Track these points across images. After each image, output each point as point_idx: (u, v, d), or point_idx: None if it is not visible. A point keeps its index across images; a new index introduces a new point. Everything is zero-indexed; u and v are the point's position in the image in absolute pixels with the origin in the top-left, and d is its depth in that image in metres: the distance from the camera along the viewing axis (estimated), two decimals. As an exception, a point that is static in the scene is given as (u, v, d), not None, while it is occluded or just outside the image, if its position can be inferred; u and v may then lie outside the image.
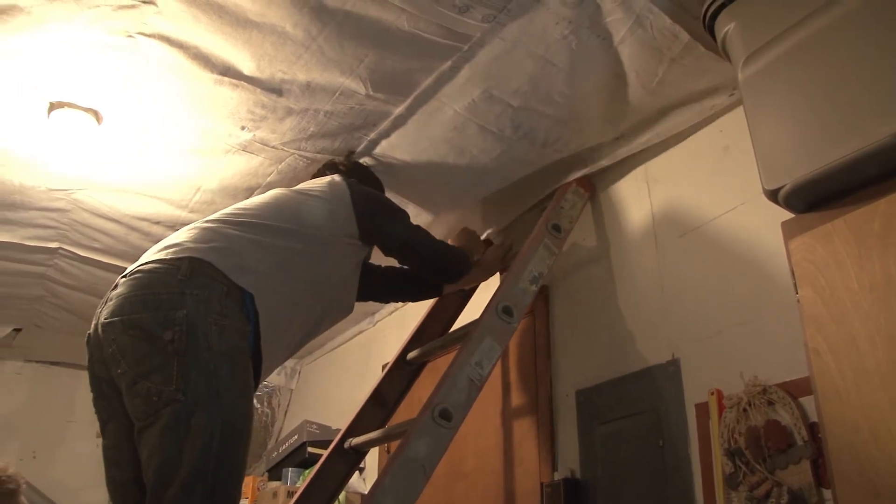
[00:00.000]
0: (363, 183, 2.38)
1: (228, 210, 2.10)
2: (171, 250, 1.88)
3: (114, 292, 1.85)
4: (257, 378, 1.92)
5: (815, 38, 1.61)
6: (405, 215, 2.34)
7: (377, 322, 3.77)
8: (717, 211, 2.20)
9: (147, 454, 1.68)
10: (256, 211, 2.09)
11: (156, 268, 1.84)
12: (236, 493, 1.73)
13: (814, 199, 1.58)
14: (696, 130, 2.34)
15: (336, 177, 2.30)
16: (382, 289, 2.54)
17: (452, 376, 1.96)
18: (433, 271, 2.40)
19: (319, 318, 2.15)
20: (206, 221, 2.04)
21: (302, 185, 2.30)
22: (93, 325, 1.87)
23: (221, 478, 1.67)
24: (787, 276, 1.68)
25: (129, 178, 2.85)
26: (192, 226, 2.03)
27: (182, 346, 1.69)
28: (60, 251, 3.40)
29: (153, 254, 1.91)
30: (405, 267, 2.44)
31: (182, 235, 1.97)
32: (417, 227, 2.35)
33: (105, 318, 1.79)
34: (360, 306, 3.03)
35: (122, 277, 1.88)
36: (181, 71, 2.23)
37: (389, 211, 2.32)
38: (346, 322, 3.53)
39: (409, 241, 2.29)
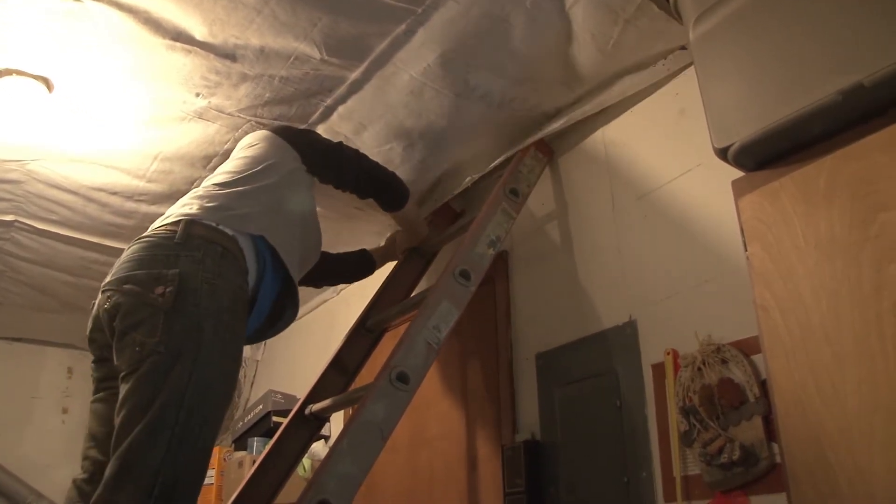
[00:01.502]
0: None
1: (210, 180, 2.18)
2: (166, 220, 1.98)
3: (117, 262, 1.94)
4: (292, 311, 2.16)
5: (765, -4, 1.62)
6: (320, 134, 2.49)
7: (340, 291, 3.76)
8: (672, 173, 2.21)
9: (122, 399, 1.72)
10: (230, 174, 2.16)
11: (154, 233, 1.93)
12: (205, 451, 1.75)
13: (762, 157, 1.60)
14: (652, 93, 2.33)
15: (255, 132, 2.39)
16: (318, 274, 2.58)
17: (410, 340, 1.96)
18: (376, 185, 2.47)
19: (305, 247, 2.26)
20: (195, 192, 2.12)
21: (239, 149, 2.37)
22: (97, 298, 1.93)
23: (190, 430, 1.69)
24: (737, 236, 1.69)
25: (83, 147, 2.80)
26: (186, 197, 2.12)
27: (170, 301, 1.75)
28: (16, 224, 3.34)
29: (157, 223, 2.01)
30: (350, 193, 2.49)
31: (179, 204, 2.08)
32: (340, 141, 2.45)
33: (105, 281, 1.88)
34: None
35: (128, 246, 1.97)
36: (132, 36, 2.19)
37: (308, 130, 2.47)
38: (310, 292, 3.54)
39: (338, 148, 2.38)
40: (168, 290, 1.76)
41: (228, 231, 1.94)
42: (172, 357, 1.72)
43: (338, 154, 2.35)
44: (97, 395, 1.96)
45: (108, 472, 1.64)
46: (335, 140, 2.43)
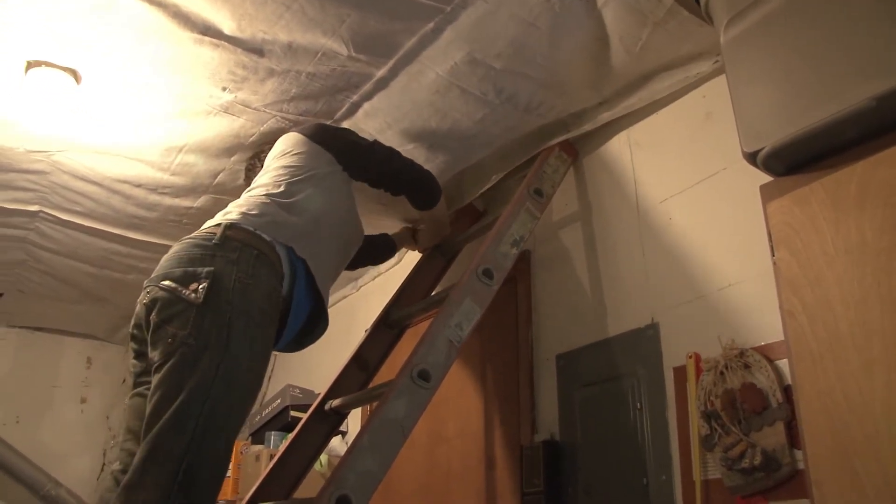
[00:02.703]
0: None
1: (249, 192, 2.24)
2: (210, 223, 2.07)
3: (161, 261, 2.02)
4: (324, 324, 2.21)
5: (797, 1, 1.60)
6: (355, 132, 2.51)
7: (360, 287, 3.77)
8: (698, 176, 2.20)
9: (154, 388, 1.80)
10: (266, 185, 2.21)
11: (197, 235, 2.02)
12: (227, 442, 1.81)
13: (792, 161, 1.59)
14: (680, 96, 2.33)
15: (287, 136, 2.41)
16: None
17: (432, 337, 1.97)
18: (409, 182, 2.47)
19: (343, 252, 2.33)
20: (236, 201, 2.19)
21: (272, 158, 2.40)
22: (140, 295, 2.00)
23: (215, 421, 1.75)
24: (765, 242, 1.68)
25: (109, 139, 2.82)
26: (230, 205, 2.18)
27: (203, 296, 1.83)
28: (41, 214, 3.38)
29: (203, 227, 2.09)
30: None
31: (223, 212, 2.14)
32: (375, 139, 2.48)
33: (148, 279, 1.96)
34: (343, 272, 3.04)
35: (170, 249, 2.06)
36: (160, 30, 2.21)
37: (341, 128, 2.49)
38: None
39: (371, 146, 2.40)
40: (201, 286, 1.84)
41: (266, 237, 2.01)
42: (201, 349, 1.79)
43: (372, 153, 2.37)
44: (135, 391, 2.01)
45: (137, 456, 1.72)
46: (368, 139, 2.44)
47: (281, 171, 2.24)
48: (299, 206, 2.15)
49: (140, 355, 2.00)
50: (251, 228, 2.00)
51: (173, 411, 1.72)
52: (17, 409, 4.62)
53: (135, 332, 2.00)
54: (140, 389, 1.98)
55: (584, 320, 2.41)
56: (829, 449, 1.39)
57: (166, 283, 1.87)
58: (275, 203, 2.13)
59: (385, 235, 2.88)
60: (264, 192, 2.17)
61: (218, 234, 1.96)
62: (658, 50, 2.18)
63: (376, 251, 2.84)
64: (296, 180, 2.20)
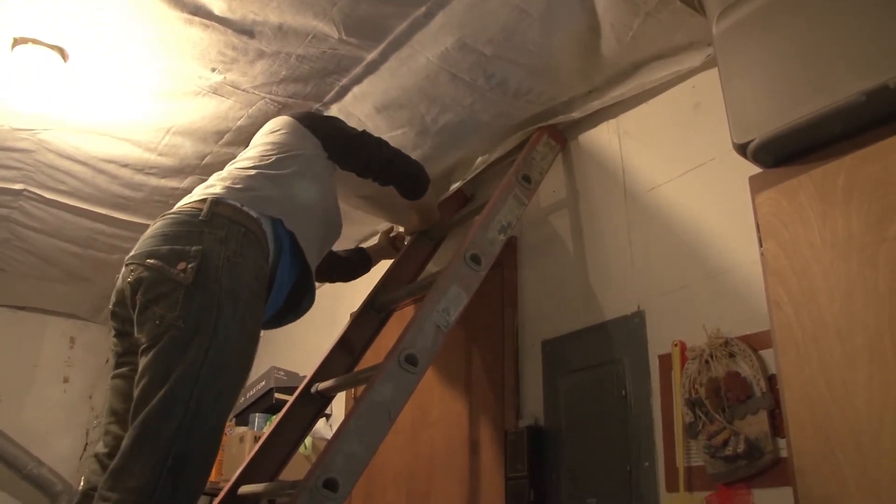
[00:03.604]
0: None
1: (233, 164, 2.20)
2: (195, 196, 2.01)
3: (141, 237, 1.97)
4: (309, 298, 2.18)
5: (790, -6, 1.62)
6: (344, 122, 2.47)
7: (347, 271, 3.77)
8: (686, 166, 2.21)
9: (140, 372, 1.76)
10: (252, 158, 2.18)
11: (181, 211, 1.96)
12: (217, 426, 1.79)
13: (781, 154, 1.61)
14: (669, 86, 2.34)
15: (278, 118, 2.38)
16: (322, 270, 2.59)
17: (419, 322, 1.97)
18: (397, 174, 2.45)
19: (326, 233, 2.29)
20: (219, 174, 2.14)
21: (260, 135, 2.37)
22: (121, 272, 1.96)
23: (204, 406, 1.72)
24: (752, 233, 1.70)
25: (96, 118, 2.80)
26: (211, 178, 2.14)
27: (191, 277, 1.78)
28: (25, 193, 3.35)
29: (182, 202, 2.04)
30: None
31: (204, 185, 2.10)
32: (364, 129, 2.45)
33: (129, 255, 1.91)
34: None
35: (153, 223, 2.00)
36: (150, 9, 2.19)
37: (331, 117, 2.45)
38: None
39: (360, 136, 2.36)
40: (189, 266, 1.79)
41: (253, 213, 1.97)
42: (190, 332, 1.75)
43: (360, 142, 2.34)
44: (117, 371, 1.98)
45: (125, 441, 1.69)
46: (358, 127, 2.43)
47: (269, 147, 2.21)
48: (286, 181, 2.12)
49: (122, 334, 1.97)
50: (238, 204, 1.96)
51: (161, 397, 1.69)
52: (-1, 388, 4.60)
53: (116, 309, 1.95)
54: (123, 370, 1.96)
55: (570, 307, 2.43)
56: (813, 438, 1.41)
57: (152, 261, 1.82)
58: (261, 175, 2.09)
59: (360, 250, 2.89)
60: (251, 165, 2.12)
61: (204, 210, 1.90)
62: (649, 39, 2.19)
63: (350, 266, 2.85)
64: (284, 156, 2.17)
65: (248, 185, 2.04)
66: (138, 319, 1.81)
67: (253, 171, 2.09)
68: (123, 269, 1.92)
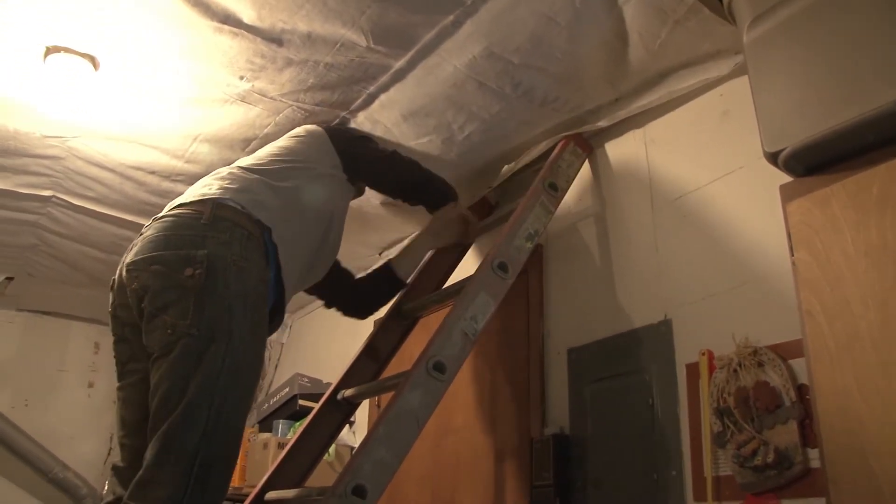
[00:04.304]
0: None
1: (236, 163, 2.19)
2: (192, 197, 1.97)
3: (140, 237, 1.95)
4: (279, 318, 2.07)
5: (822, 2, 1.61)
6: (379, 142, 2.45)
7: (370, 277, 3.78)
8: (713, 175, 2.21)
9: (156, 381, 1.75)
10: (258, 160, 2.18)
11: (180, 213, 1.93)
12: (238, 430, 1.80)
13: (813, 163, 1.60)
14: (696, 95, 2.33)
15: (309, 125, 2.37)
16: (348, 298, 2.59)
17: (447, 329, 1.97)
18: (421, 193, 2.46)
19: (316, 256, 2.22)
20: (218, 173, 2.12)
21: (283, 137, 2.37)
22: (117, 271, 1.95)
23: (225, 412, 1.73)
24: (781, 241, 1.69)
25: (124, 126, 2.83)
26: (207, 177, 2.12)
27: (200, 282, 1.77)
28: (54, 199, 3.39)
29: (176, 202, 2.01)
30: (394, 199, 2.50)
31: (200, 184, 2.08)
32: (395, 151, 2.42)
33: (129, 259, 1.88)
34: (353, 260, 3.05)
35: (148, 225, 1.98)
36: (180, 17, 2.20)
37: (364, 138, 2.43)
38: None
39: (389, 162, 2.35)
40: (198, 271, 1.77)
41: (253, 215, 1.95)
42: (206, 339, 1.75)
43: (390, 165, 2.33)
44: (125, 381, 1.96)
45: (148, 453, 1.69)
46: (384, 136, 2.44)
47: (279, 151, 2.19)
48: (285, 192, 2.08)
49: (121, 340, 1.95)
50: (239, 207, 1.93)
51: (184, 406, 1.69)
52: (25, 392, 4.64)
53: (118, 311, 1.93)
54: (131, 380, 1.94)
55: (596, 315, 2.42)
56: (846, 448, 1.40)
57: (157, 267, 1.80)
58: (261, 181, 2.06)
59: (387, 267, 2.56)
60: (255, 168, 2.11)
61: (206, 214, 1.88)
62: (677, 48, 2.19)
63: (387, 288, 2.58)
64: (288, 166, 2.15)
65: (246, 188, 2.02)
66: (146, 328, 1.80)
67: (253, 175, 2.08)
68: (123, 273, 1.89)
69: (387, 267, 2.55)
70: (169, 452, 1.67)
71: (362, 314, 2.64)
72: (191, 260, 1.79)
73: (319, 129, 2.31)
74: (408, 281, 2.58)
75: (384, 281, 2.55)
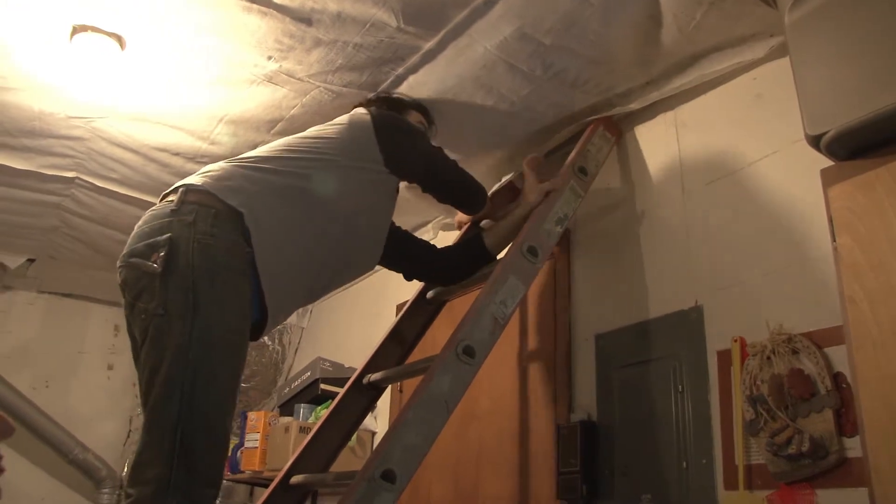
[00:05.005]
0: (396, 111, 2.42)
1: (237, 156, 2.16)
2: (174, 188, 1.98)
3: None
4: (261, 300, 1.95)
5: (866, -18, 1.58)
6: (426, 138, 2.38)
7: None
8: (746, 159, 2.18)
9: (141, 368, 1.80)
10: (260, 151, 2.15)
11: (159, 205, 1.96)
12: (219, 404, 1.79)
13: (857, 146, 1.57)
14: (729, 78, 2.30)
15: (359, 108, 2.29)
16: (434, 267, 2.48)
17: (477, 313, 1.95)
18: (457, 196, 2.40)
19: (345, 252, 2.14)
20: (207, 167, 2.09)
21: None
22: None
23: (200, 386, 1.74)
24: (817, 227, 1.66)
25: (150, 107, 2.82)
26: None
27: (163, 265, 1.78)
28: (77, 181, 3.38)
29: (163, 194, 2.02)
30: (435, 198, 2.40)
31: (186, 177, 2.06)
32: (440, 149, 2.34)
33: (119, 259, 1.92)
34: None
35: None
36: (209, -4, 2.19)
37: (411, 134, 2.30)
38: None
39: (433, 162, 2.28)
40: (160, 255, 1.79)
41: (225, 200, 1.90)
42: (171, 316, 1.76)
43: (435, 162, 2.28)
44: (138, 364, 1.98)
45: (140, 435, 1.77)
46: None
47: (293, 141, 2.14)
48: (269, 180, 2.00)
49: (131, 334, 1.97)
50: (209, 191, 1.91)
51: (159, 384, 1.73)
52: (46, 373, 4.66)
53: (125, 310, 1.96)
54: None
55: (624, 301, 2.40)
56: (890, 435, 1.38)
57: (133, 259, 1.84)
58: (240, 170, 2.01)
59: (478, 237, 2.44)
60: (245, 159, 2.07)
61: (175, 200, 1.90)
62: (711, 30, 2.15)
63: (463, 262, 2.45)
64: (295, 157, 2.07)
65: (225, 177, 1.97)
66: (130, 318, 1.86)
67: (235, 166, 2.03)
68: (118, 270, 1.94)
69: (478, 238, 2.44)
70: (152, 432, 1.72)
71: (448, 283, 2.54)
72: (156, 246, 1.82)
73: (366, 118, 2.18)
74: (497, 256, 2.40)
75: (473, 255, 2.43)
